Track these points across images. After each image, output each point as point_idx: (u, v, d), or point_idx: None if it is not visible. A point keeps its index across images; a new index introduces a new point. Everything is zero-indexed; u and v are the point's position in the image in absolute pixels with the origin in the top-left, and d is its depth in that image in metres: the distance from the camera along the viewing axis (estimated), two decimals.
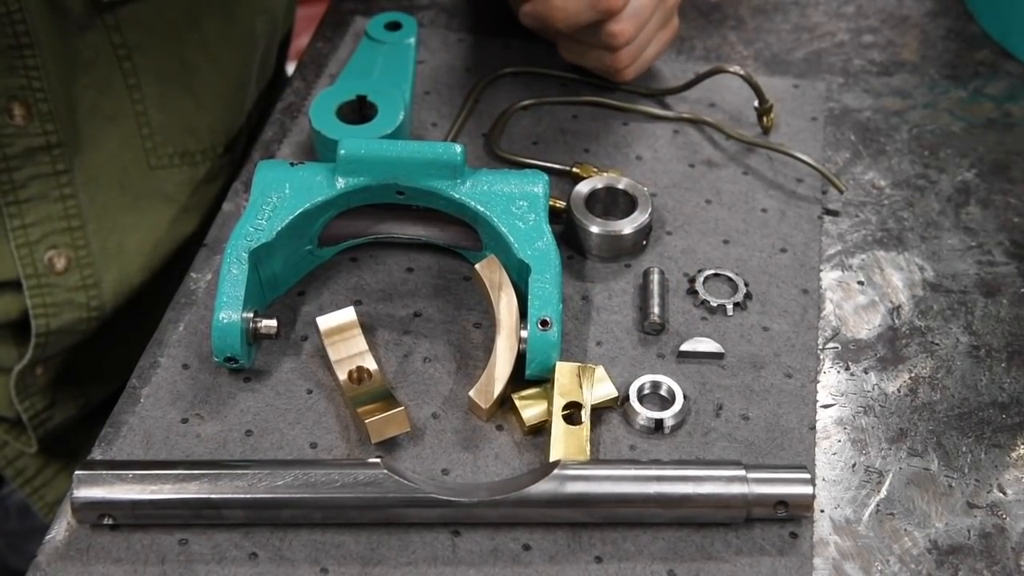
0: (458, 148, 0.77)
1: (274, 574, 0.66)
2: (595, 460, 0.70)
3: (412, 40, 0.92)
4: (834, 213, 0.87)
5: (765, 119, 0.92)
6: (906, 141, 0.94)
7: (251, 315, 0.73)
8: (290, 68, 1.10)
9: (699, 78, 0.94)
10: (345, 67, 0.91)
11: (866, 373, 0.77)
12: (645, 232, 0.83)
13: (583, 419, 0.71)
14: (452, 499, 0.66)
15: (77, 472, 0.66)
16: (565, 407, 0.71)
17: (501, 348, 0.73)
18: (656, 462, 0.69)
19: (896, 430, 0.74)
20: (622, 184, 0.84)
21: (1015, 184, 0.90)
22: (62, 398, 1.00)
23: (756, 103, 0.92)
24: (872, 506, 0.70)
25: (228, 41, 0.97)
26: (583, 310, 0.80)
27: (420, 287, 0.81)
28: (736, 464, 0.68)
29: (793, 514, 0.68)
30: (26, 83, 0.85)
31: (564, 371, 0.73)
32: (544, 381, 0.74)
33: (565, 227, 0.84)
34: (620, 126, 0.93)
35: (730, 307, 0.80)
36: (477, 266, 0.76)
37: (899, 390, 0.77)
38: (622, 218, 0.83)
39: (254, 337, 0.74)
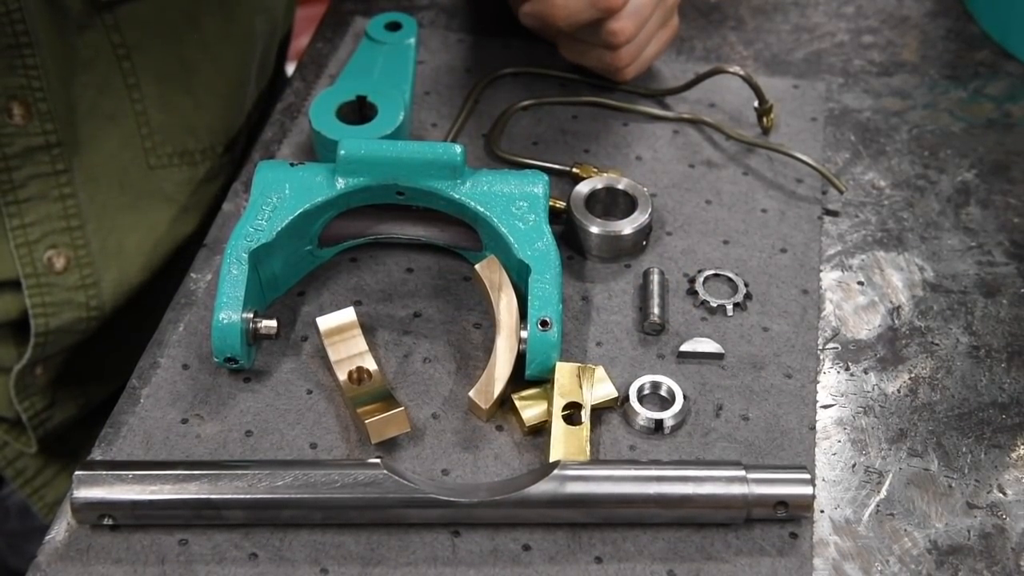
0: (458, 148, 0.77)
1: (274, 574, 0.66)
2: (595, 460, 0.70)
3: (412, 40, 0.92)
4: (834, 213, 0.88)
5: (765, 119, 0.92)
6: (906, 141, 0.94)
7: (251, 315, 0.73)
8: (290, 68, 1.10)
9: (699, 78, 0.94)
10: (345, 67, 0.91)
11: (866, 373, 0.77)
12: (645, 232, 0.83)
13: (583, 419, 0.71)
14: (452, 499, 0.66)
15: (77, 472, 0.66)
16: (565, 407, 0.71)
17: (501, 348, 0.73)
18: (656, 462, 0.69)
19: (896, 430, 0.74)
20: (622, 184, 0.84)
21: (1015, 184, 0.90)
22: (62, 398, 1.00)
23: (756, 103, 0.92)
24: (872, 506, 0.70)
25: (227, 41, 0.97)
26: (583, 310, 0.80)
27: (420, 287, 0.81)
28: (736, 464, 0.68)
29: (793, 514, 0.68)
30: (25, 82, 0.85)
31: (564, 371, 0.73)
32: (544, 381, 0.74)
33: (565, 227, 0.84)
34: (620, 126, 0.93)
35: (730, 307, 0.80)
36: (477, 266, 0.76)
37: (899, 390, 0.77)
38: (622, 218, 0.83)
39: (254, 337, 0.74)
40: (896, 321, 0.81)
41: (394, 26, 0.93)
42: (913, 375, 0.77)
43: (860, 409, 0.75)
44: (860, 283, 0.83)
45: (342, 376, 0.73)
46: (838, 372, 0.77)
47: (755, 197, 0.88)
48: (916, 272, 0.84)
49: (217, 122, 0.98)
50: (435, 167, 0.77)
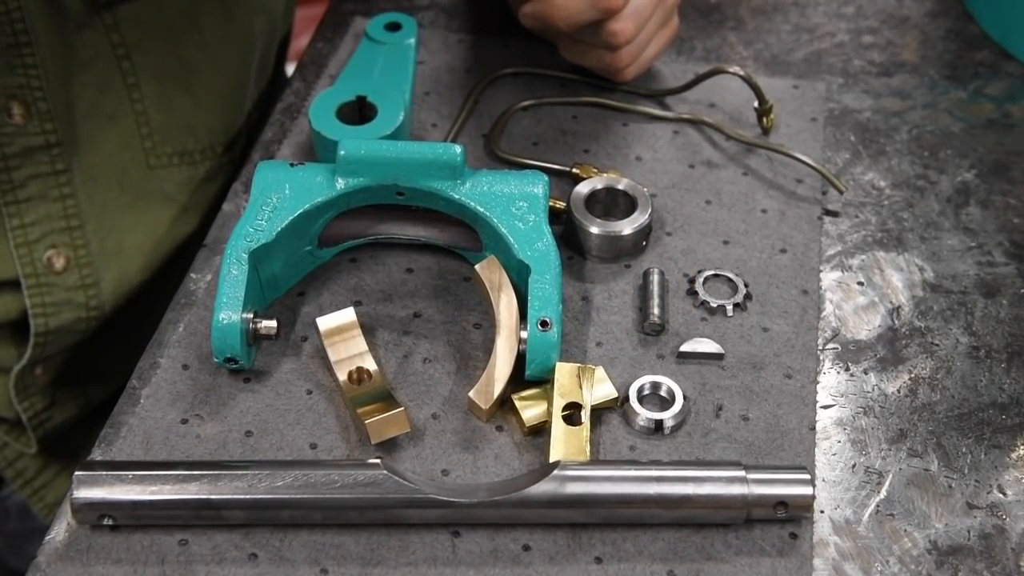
0: (458, 149, 0.77)
1: (274, 574, 0.66)
2: (595, 461, 0.70)
3: (412, 41, 0.92)
4: (834, 214, 0.88)
5: (765, 120, 0.92)
6: (906, 142, 0.94)
7: (251, 316, 0.73)
8: (290, 68, 1.10)
9: (699, 79, 0.94)
10: (345, 68, 0.91)
11: (866, 374, 0.77)
12: (645, 233, 0.83)
13: (583, 420, 0.71)
14: (452, 500, 0.66)
15: (77, 473, 0.66)
16: (565, 408, 0.71)
17: (501, 349, 0.73)
18: (656, 463, 0.69)
19: (896, 431, 0.74)
20: (622, 185, 0.84)
21: (1015, 185, 0.90)
22: (62, 398, 1.00)
23: (756, 104, 0.92)
24: (872, 507, 0.70)
25: (227, 40, 0.97)
26: (583, 311, 0.80)
27: (420, 288, 0.81)
28: (736, 465, 0.68)
29: (793, 515, 0.68)
30: (25, 82, 0.85)
31: (564, 372, 0.73)
32: (544, 382, 0.74)
33: (565, 228, 0.84)
34: (620, 127, 0.93)
35: (730, 308, 0.80)
36: (477, 267, 0.76)
37: (899, 391, 0.77)
38: (622, 219, 0.83)
39: (254, 338, 0.74)
40: (896, 321, 0.81)
41: (394, 26, 0.93)
42: (913, 375, 0.77)
43: (860, 409, 0.75)
44: (860, 283, 0.83)
45: (342, 376, 0.73)
46: (838, 372, 0.77)
47: (755, 197, 0.88)
48: (916, 272, 0.84)
49: (217, 122, 0.98)
50: (435, 167, 0.77)
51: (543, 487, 0.67)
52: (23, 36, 0.83)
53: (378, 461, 0.67)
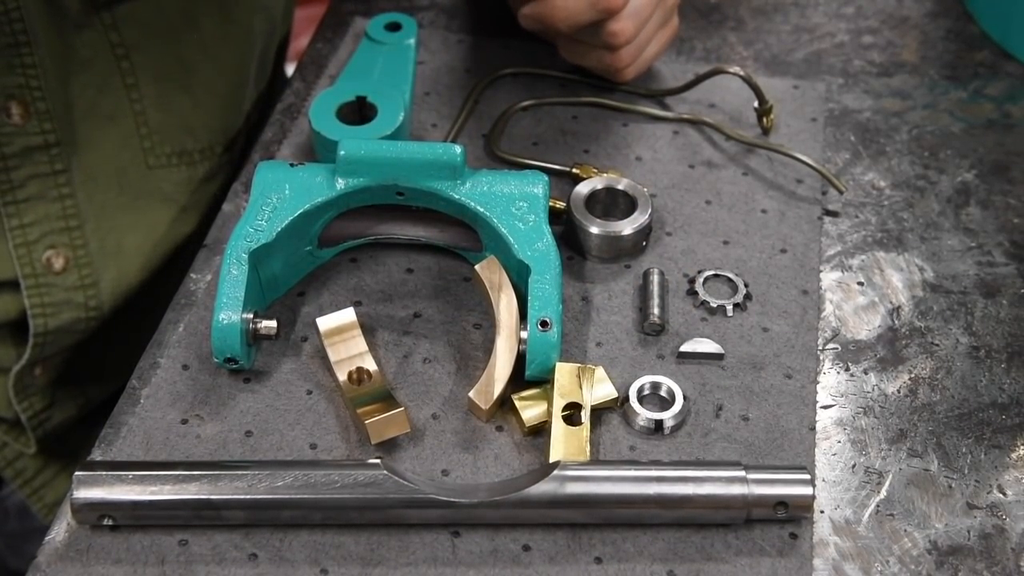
0: (458, 149, 0.77)
1: (274, 575, 0.66)
2: (595, 461, 0.70)
3: (412, 41, 0.92)
4: (834, 214, 0.88)
5: (765, 120, 0.92)
6: (906, 142, 0.94)
7: (251, 316, 0.73)
8: (290, 69, 1.10)
9: (699, 79, 0.94)
10: (345, 68, 0.91)
11: (866, 374, 0.77)
12: (645, 233, 0.83)
13: (583, 420, 0.71)
14: (452, 500, 0.66)
15: (77, 473, 0.66)
16: (565, 408, 0.71)
17: (501, 349, 0.73)
18: (656, 463, 0.69)
19: (896, 431, 0.74)
20: (622, 185, 0.84)
21: (1015, 185, 0.90)
22: (61, 398, 1.00)
23: (756, 104, 0.92)
24: (872, 507, 0.70)
25: (226, 40, 0.97)
26: (583, 311, 0.80)
27: (420, 288, 0.81)
28: (736, 465, 0.68)
29: (793, 515, 0.68)
30: (24, 81, 0.85)
31: (564, 372, 0.72)
32: (544, 382, 0.74)
33: (565, 228, 0.84)
34: (620, 127, 0.93)
35: (730, 308, 0.80)
36: (477, 267, 0.76)
37: (899, 391, 0.77)
38: (622, 219, 0.83)
39: (254, 338, 0.74)
40: (896, 321, 0.81)
41: (394, 27, 0.93)
42: (913, 375, 0.77)
43: (860, 409, 0.75)
44: (860, 283, 0.83)
45: (342, 376, 0.73)
46: (838, 372, 0.77)
47: (755, 197, 0.88)
48: (916, 272, 0.84)
49: (216, 122, 0.98)
50: (435, 167, 0.77)
51: (543, 487, 0.67)
52: (22, 36, 0.83)
53: (378, 461, 0.67)
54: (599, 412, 0.74)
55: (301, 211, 0.76)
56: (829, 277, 0.83)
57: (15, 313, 0.93)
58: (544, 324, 0.72)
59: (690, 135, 0.93)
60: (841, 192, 0.88)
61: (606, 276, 0.82)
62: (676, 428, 0.73)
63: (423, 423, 0.73)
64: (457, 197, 0.77)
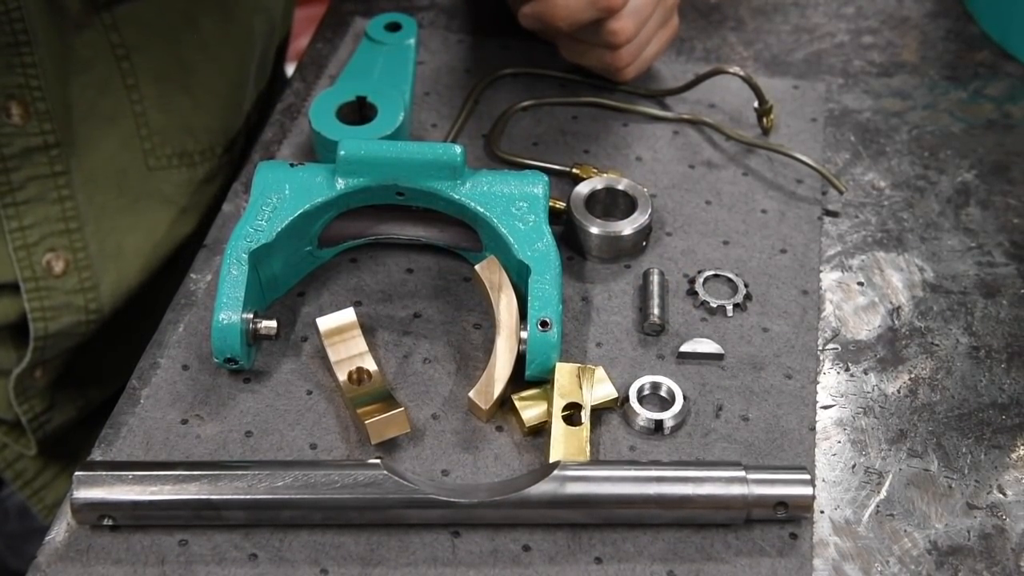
0: (458, 149, 0.77)
1: (274, 575, 0.66)
2: (595, 461, 0.70)
3: (412, 41, 0.92)
4: (834, 214, 0.88)
5: (765, 120, 0.92)
6: (906, 142, 0.94)
7: (251, 316, 0.73)
8: (290, 68, 1.10)
9: (699, 79, 0.94)
10: (345, 68, 0.91)
11: (866, 374, 0.77)
12: (645, 233, 0.83)
13: (583, 420, 0.71)
14: (452, 500, 0.66)
15: (77, 473, 0.66)
16: (565, 408, 0.71)
17: (501, 349, 0.73)
18: (656, 463, 0.69)
19: (896, 431, 0.74)
20: (622, 185, 0.84)
21: (1015, 185, 0.90)
22: (61, 400, 1.00)
23: (756, 104, 0.92)
24: (872, 507, 0.70)
25: (226, 40, 0.97)
26: (583, 311, 0.80)
27: (420, 288, 0.81)
28: (736, 465, 0.68)
29: (793, 515, 0.68)
30: (24, 82, 0.85)
31: (564, 372, 0.72)
32: (544, 382, 0.74)
33: (565, 228, 0.84)
34: (620, 127, 0.93)
35: (730, 308, 0.80)
36: (477, 267, 0.76)
37: (899, 391, 0.77)
38: (622, 219, 0.83)
39: (254, 338, 0.74)
40: (896, 322, 0.81)
41: (394, 27, 0.93)
42: (913, 376, 0.77)
43: (860, 410, 0.75)
44: (860, 284, 0.83)
45: (342, 377, 0.73)
46: (838, 373, 0.77)
47: (755, 198, 0.88)
48: (916, 273, 0.84)
49: (216, 122, 0.98)
50: (435, 167, 0.77)
51: (543, 487, 0.67)
52: (22, 35, 0.83)
53: (378, 461, 0.67)
54: (599, 412, 0.74)
55: (301, 211, 0.76)
56: (829, 277, 0.83)
57: (15, 316, 0.93)
58: (544, 324, 0.72)
59: (690, 135, 0.93)
60: (841, 192, 0.88)
61: (606, 276, 0.82)
62: (676, 428, 0.73)
63: (423, 423, 0.73)
64: (457, 197, 0.77)
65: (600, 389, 0.73)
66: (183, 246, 0.98)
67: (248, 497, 0.66)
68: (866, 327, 0.80)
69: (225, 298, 0.72)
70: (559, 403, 0.71)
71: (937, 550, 0.68)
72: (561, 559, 0.67)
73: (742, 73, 0.91)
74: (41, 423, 0.99)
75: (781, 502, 0.67)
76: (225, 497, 0.66)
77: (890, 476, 0.72)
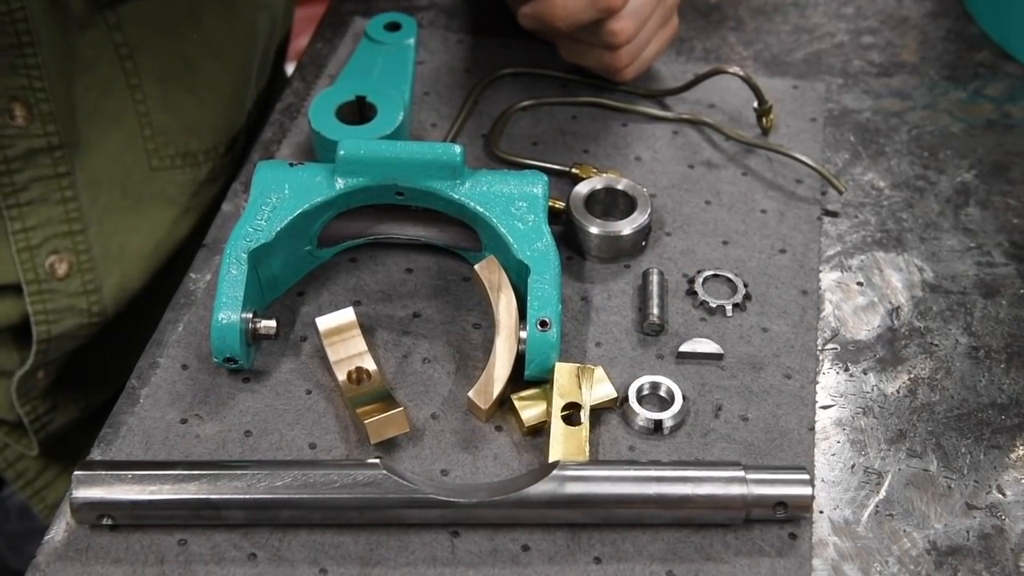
0: (457, 149, 0.77)
1: (273, 574, 0.66)
2: (594, 461, 0.70)
3: (411, 41, 0.92)
4: (833, 214, 0.88)
5: (764, 120, 0.92)
6: (905, 142, 0.94)
7: (250, 316, 0.73)
8: (290, 68, 1.10)
9: (698, 79, 0.94)
10: (344, 68, 0.91)
11: (865, 374, 0.77)
12: (644, 233, 0.83)
13: (582, 420, 0.71)
14: (451, 500, 0.66)
15: (76, 472, 0.66)
16: (564, 408, 0.71)
17: (500, 349, 0.73)
18: (655, 463, 0.69)
19: (895, 431, 0.74)
20: (621, 185, 0.84)
21: (1014, 185, 0.90)
22: (63, 401, 1.00)
23: (755, 104, 0.92)
24: (871, 507, 0.70)
25: (230, 39, 0.97)
26: (582, 311, 0.80)
27: (419, 288, 0.81)
28: (735, 465, 0.68)
29: (792, 515, 0.68)
30: (27, 83, 0.85)
31: (563, 372, 0.73)
32: (543, 382, 0.74)
33: (564, 228, 0.84)
34: (619, 127, 0.93)
35: (729, 308, 0.80)
36: (476, 267, 0.76)
37: (898, 391, 0.77)
38: (621, 219, 0.83)
39: (253, 338, 0.74)
40: (895, 322, 0.81)
41: (394, 26, 0.93)
42: (912, 376, 0.77)
43: (859, 410, 0.75)
44: (859, 284, 0.83)
45: (341, 376, 0.73)
46: (837, 373, 0.77)
47: (754, 198, 0.88)
48: (915, 273, 0.84)
49: (220, 121, 0.98)
50: (435, 167, 0.77)
51: (542, 487, 0.67)
52: (25, 36, 0.83)
53: (377, 461, 0.67)
54: (598, 412, 0.74)
55: (301, 211, 0.76)
56: (828, 277, 0.83)
57: (17, 317, 0.93)
58: (543, 324, 0.72)
59: (690, 135, 0.93)
60: (841, 192, 0.88)
61: (605, 276, 0.82)
62: (675, 428, 0.73)
63: (422, 423, 0.73)
64: (457, 197, 0.77)
65: (599, 389, 0.73)
66: (184, 246, 0.98)
67: (247, 497, 0.66)
68: (865, 327, 0.80)
69: (224, 298, 0.72)
70: (558, 403, 0.71)
71: (936, 550, 0.68)
72: (560, 559, 0.67)
73: (742, 73, 0.91)
74: (43, 424, 0.99)
75: (780, 502, 0.67)
76: (224, 497, 0.66)
77: (889, 476, 0.72)
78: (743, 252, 0.84)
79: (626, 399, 0.74)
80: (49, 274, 0.91)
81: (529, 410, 0.72)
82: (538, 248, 0.75)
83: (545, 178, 0.79)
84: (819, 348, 0.78)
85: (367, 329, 0.77)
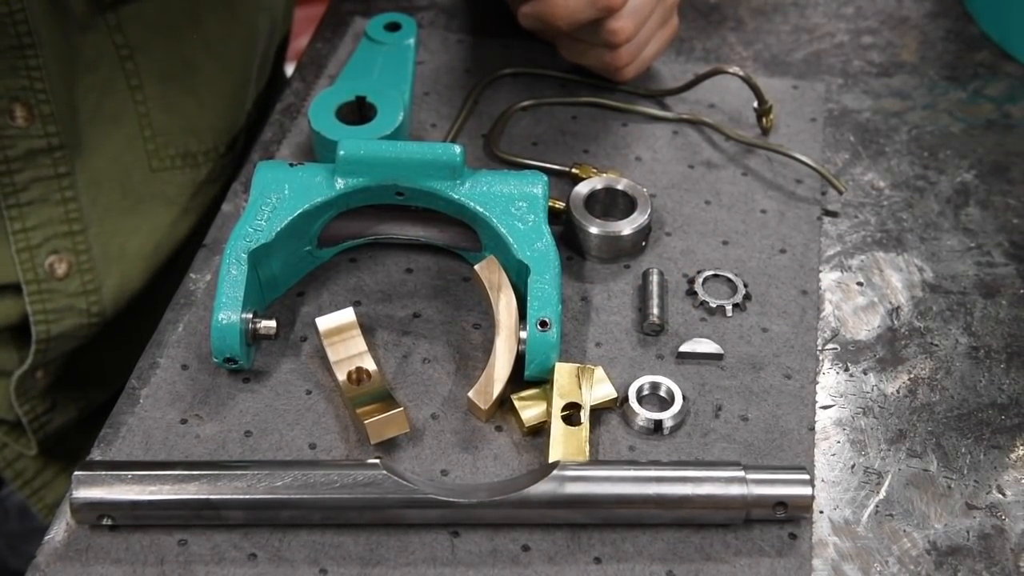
0: (457, 149, 0.77)
1: (273, 575, 0.66)
2: (594, 461, 0.70)
3: (411, 41, 0.92)
4: (833, 214, 0.88)
5: (764, 120, 0.92)
6: (905, 142, 0.94)
7: (250, 316, 0.73)
8: (290, 68, 1.10)
9: (698, 79, 0.94)
10: (344, 68, 0.91)
11: (865, 374, 0.77)
12: (644, 233, 0.83)
13: (582, 420, 0.71)
14: (451, 500, 0.66)
15: (76, 472, 0.66)
16: (564, 408, 0.71)
17: (500, 349, 0.73)
18: (655, 463, 0.69)
19: (895, 431, 0.74)
20: (621, 185, 0.84)
21: (1014, 185, 0.90)
22: (62, 401, 1.00)
23: (755, 104, 0.92)
24: (871, 507, 0.70)
25: (230, 39, 0.97)
26: (582, 311, 0.80)
27: (419, 288, 0.81)
28: (735, 465, 0.68)
29: (792, 515, 0.68)
30: (28, 84, 0.85)
31: (563, 372, 0.73)
32: (543, 382, 0.74)
33: (564, 228, 0.84)
34: (619, 127, 0.93)
35: (729, 308, 0.80)
36: (476, 267, 0.76)
37: (898, 391, 0.77)
38: (621, 219, 0.83)
39: (253, 338, 0.74)
40: (895, 322, 0.81)
41: (393, 26, 0.93)
42: (912, 376, 0.77)
43: (859, 410, 0.75)
44: (859, 284, 0.83)
45: (341, 376, 0.73)
46: (837, 373, 0.77)
47: (754, 198, 0.88)
48: (915, 273, 0.84)
49: (220, 122, 0.98)
50: (434, 167, 0.77)
51: (542, 487, 0.67)
52: (26, 38, 0.83)
53: (377, 461, 0.67)
54: (598, 412, 0.74)
55: (300, 211, 0.76)
56: (828, 277, 0.83)
57: (17, 317, 0.93)
58: (543, 324, 0.72)
59: (690, 135, 0.93)
60: (840, 192, 0.88)
61: (605, 276, 0.82)
62: (675, 428, 0.73)
63: (422, 423, 0.73)
64: (456, 197, 0.77)
65: (599, 389, 0.73)
66: (184, 246, 0.98)
67: (247, 497, 0.66)
68: (865, 327, 0.80)
69: (224, 298, 0.72)
70: (558, 403, 0.71)
71: (936, 550, 0.68)
72: (560, 559, 0.67)
73: (742, 73, 0.91)
74: (42, 423, 0.99)
75: (780, 502, 0.67)
76: (224, 497, 0.66)
77: (889, 476, 0.72)
78: (743, 252, 0.84)
79: (626, 399, 0.74)
80: (49, 274, 0.91)
81: (529, 410, 0.72)
82: (538, 248, 0.75)
83: (545, 178, 0.79)
84: (819, 348, 0.78)
85: (367, 329, 0.77)
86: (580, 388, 0.72)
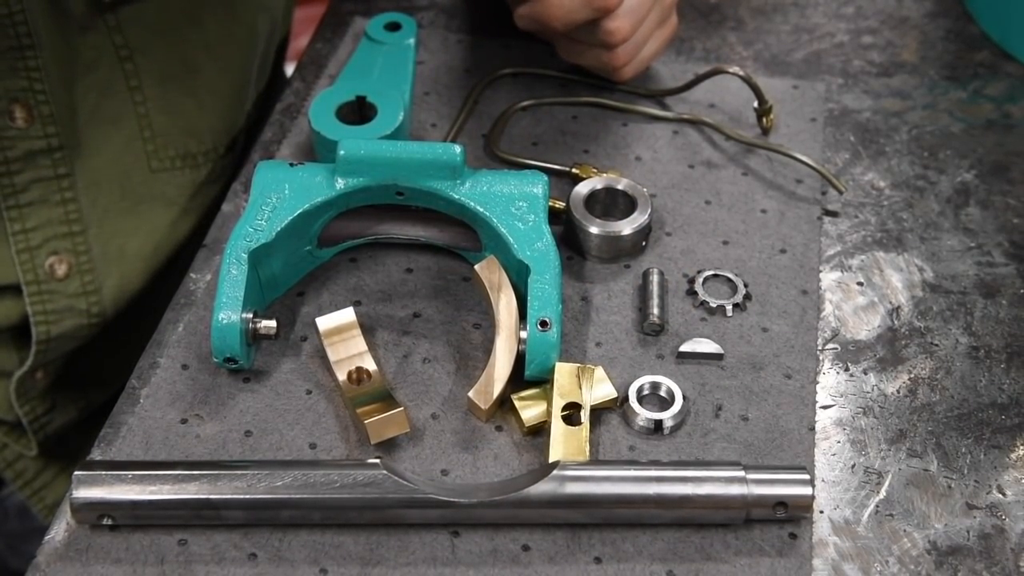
0: (457, 149, 0.77)
1: (273, 575, 0.66)
2: (594, 461, 0.70)
3: (411, 41, 0.92)
4: (833, 214, 0.88)
5: (765, 120, 0.92)
6: (905, 142, 0.94)
7: (250, 316, 0.73)
8: (290, 68, 1.10)
9: (698, 79, 0.94)
10: (344, 68, 0.91)
11: (865, 374, 0.77)
12: (644, 233, 0.83)
13: (582, 420, 0.71)
14: (451, 500, 0.66)
15: (76, 472, 0.66)
16: (564, 408, 0.71)
17: (500, 349, 0.73)
18: (655, 463, 0.69)
19: (895, 431, 0.74)
20: (621, 185, 0.84)
21: (1014, 185, 0.90)
22: (62, 401, 1.00)
23: (756, 104, 0.92)
24: (871, 507, 0.70)
25: (230, 40, 0.97)
26: (582, 311, 0.80)
27: (419, 288, 0.81)
28: (735, 465, 0.68)
29: (792, 515, 0.68)
30: (27, 85, 0.85)
31: (563, 372, 0.73)
32: (543, 382, 0.74)
33: (565, 228, 0.84)
34: (619, 127, 0.93)
35: (729, 308, 0.80)
36: (476, 267, 0.76)
37: (898, 391, 0.77)
38: (621, 219, 0.83)
39: (253, 338, 0.74)
40: (896, 322, 0.81)
41: (393, 26, 0.93)
42: (912, 376, 0.77)
43: (859, 410, 0.75)
44: (860, 284, 0.83)
45: (341, 376, 0.73)
46: (837, 373, 0.77)
47: (755, 197, 0.88)
48: (916, 273, 0.84)
49: (219, 123, 0.98)
50: (435, 167, 0.77)
51: (543, 487, 0.67)
52: (26, 39, 0.83)
53: (377, 461, 0.67)
54: (598, 412, 0.74)
55: (301, 211, 0.76)
56: (829, 277, 0.83)
57: (17, 317, 0.93)
58: (544, 324, 0.72)
59: (690, 135, 0.93)
60: (841, 192, 0.88)
61: (606, 276, 0.82)
62: (675, 428, 0.73)
63: (423, 423, 0.73)
64: (457, 197, 0.77)
65: (599, 389, 0.73)
66: (184, 247, 0.98)
67: (247, 497, 0.66)
68: (866, 327, 0.80)
69: (225, 298, 0.72)
70: (558, 403, 0.71)
71: (936, 550, 0.68)
72: (560, 559, 0.67)
73: (742, 73, 0.91)
74: (42, 424, 0.99)
75: (780, 502, 0.67)
76: (224, 497, 0.66)
77: (889, 476, 0.72)
78: (743, 252, 0.84)
79: (626, 399, 0.74)
80: (49, 275, 0.91)
81: (529, 410, 0.72)
82: (538, 248, 0.75)
83: (545, 178, 0.79)
84: (819, 348, 0.78)
85: (367, 329, 0.77)
86: (580, 388, 0.72)
